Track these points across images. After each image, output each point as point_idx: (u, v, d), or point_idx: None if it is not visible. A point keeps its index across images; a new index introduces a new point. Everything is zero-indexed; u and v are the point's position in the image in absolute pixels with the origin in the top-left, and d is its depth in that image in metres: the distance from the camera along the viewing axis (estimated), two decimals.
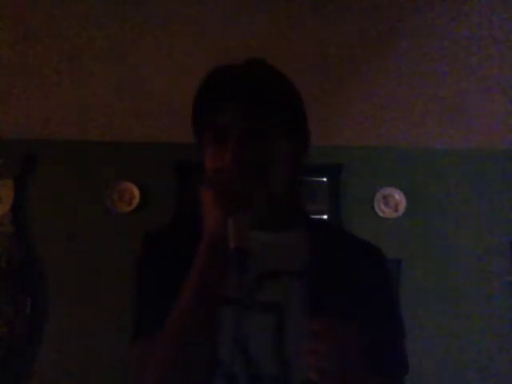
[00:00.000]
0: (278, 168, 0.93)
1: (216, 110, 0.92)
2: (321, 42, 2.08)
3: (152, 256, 0.97)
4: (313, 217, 1.09)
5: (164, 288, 0.90)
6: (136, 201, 2.85)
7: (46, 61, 2.22)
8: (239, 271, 0.80)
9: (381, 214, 2.87)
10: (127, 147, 2.93)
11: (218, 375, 0.85)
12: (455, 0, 1.81)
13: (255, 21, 1.94)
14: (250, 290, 0.88)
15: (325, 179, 2.88)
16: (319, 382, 0.76)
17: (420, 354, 2.58)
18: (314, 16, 1.92)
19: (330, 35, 2.03)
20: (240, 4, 1.85)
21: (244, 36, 2.02)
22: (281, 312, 0.87)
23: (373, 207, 2.88)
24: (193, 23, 1.95)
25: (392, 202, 2.88)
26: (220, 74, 0.94)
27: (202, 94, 0.95)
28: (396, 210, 2.88)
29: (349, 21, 1.94)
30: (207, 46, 2.07)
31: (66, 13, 1.91)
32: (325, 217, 2.83)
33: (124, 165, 2.92)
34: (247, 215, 0.84)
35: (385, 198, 2.89)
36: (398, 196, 2.88)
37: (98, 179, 2.90)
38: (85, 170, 2.93)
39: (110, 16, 1.92)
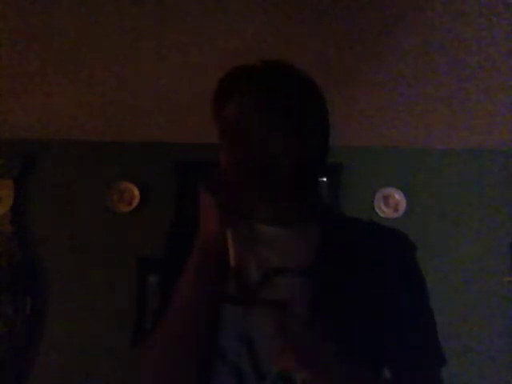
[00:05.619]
0: (283, 167, 0.91)
1: (224, 108, 0.94)
2: (321, 42, 2.08)
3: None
4: (331, 211, 1.04)
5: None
6: (136, 201, 2.85)
7: (46, 60, 2.21)
8: (238, 287, 0.81)
9: (381, 214, 2.87)
10: (127, 147, 2.93)
11: (225, 373, 0.86)
12: (455, 0, 1.81)
13: (255, 21, 1.94)
14: (254, 287, 0.88)
15: (325, 179, 2.88)
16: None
17: None
18: (314, 16, 1.92)
19: (329, 35, 2.03)
20: (240, 4, 1.85)
21: (244, 36, 2.02)
22: (284, 309, 0.86)
23: (373, 207, 2.88)
24: (193, 23, 1.95)
25: (392, 202, 2.89)
26: (232, 73, 0.96)
27: (216, 92, 0.97)
28: (396, 210, 2.88)
29: (349, 21, 1.94)
30: (207, 45, 2.07)
31: (66, 12, 1.90)
32: None
33: (124, 165, 2.93)
34: (248, 229, 0.84)
35: (385, 197, 2.89)
36: (398, 196, 2.88)
37: (98, 179, 2.90)
38: (85, 169, 2.93)
39: (110, 15, 1.92)
